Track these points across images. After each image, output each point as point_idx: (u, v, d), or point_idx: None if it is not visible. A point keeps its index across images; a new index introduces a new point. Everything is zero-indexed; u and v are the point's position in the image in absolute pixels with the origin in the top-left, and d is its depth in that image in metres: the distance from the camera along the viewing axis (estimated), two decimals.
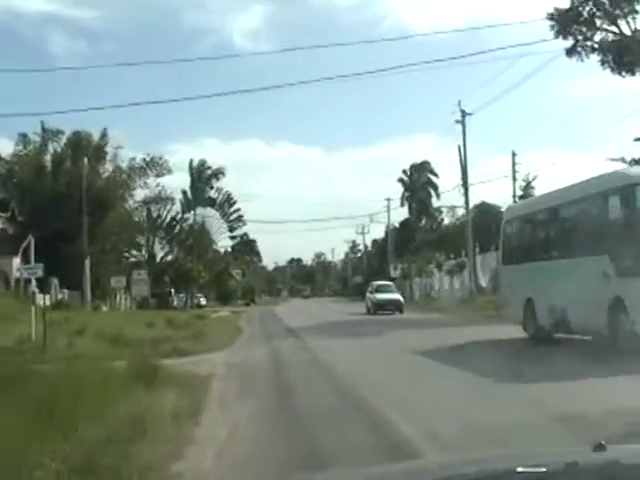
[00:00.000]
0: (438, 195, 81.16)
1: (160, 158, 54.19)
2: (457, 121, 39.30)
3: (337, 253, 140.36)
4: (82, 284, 42.39)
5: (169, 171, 54.83)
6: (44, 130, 54.19)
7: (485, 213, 60.25)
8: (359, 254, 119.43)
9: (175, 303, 59.83)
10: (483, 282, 41.04)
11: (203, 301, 68.41)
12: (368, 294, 42.25)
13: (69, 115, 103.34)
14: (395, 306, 38.39)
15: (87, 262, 42.22)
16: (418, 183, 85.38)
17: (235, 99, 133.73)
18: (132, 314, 36.57)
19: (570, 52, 31.18)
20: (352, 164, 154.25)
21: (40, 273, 20.79)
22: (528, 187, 78.71)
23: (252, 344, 19.44)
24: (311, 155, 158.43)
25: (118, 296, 51.00)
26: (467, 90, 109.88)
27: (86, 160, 50.88)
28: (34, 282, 40.95)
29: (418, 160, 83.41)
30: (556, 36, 30.47)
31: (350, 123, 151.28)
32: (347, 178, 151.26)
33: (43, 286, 43.88)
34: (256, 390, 10.11)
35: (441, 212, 79.95)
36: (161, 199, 57.69)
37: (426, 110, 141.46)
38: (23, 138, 53.69)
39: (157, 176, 54.17)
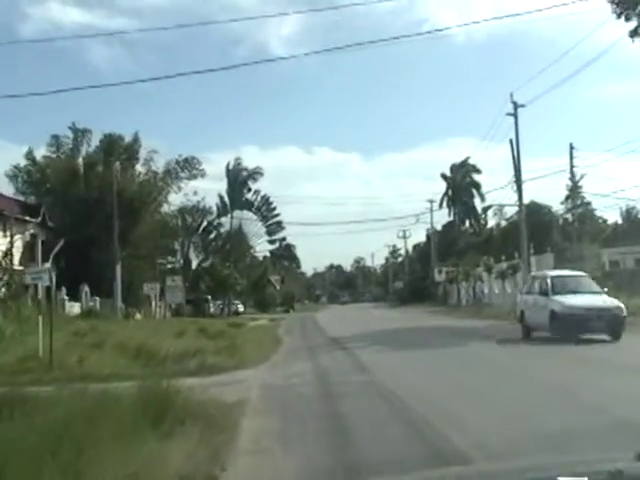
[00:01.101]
0: (482, 196, 78.24)
1: (193, 158, 52.32)
2: (509, 114, 36.46)
3: (377, 258, 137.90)
4: (114, 291, 40.48)
5: (202, 174, 52.92)
6: (75, 131, 52.90)
7: (535, 213, 57.27)
8: (400, 259, 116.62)
9: (212, 310, 57.82)
10: None
11: (241, 308, 66.32)
12: (529, 296, 21.73)
13: (106, 124, 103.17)
14: (608, 324, 18.48)
15: (118, 268, 40.30)
16: (461, 184, 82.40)
17: (273, 106, 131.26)
18: (164, 322, 34.47)
19: (633, 34, 29.67)
20: (390, 169, 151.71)
21: (47, 279, 17.74)
22: (576, 187, 75.28)
23: (293, 359, 16.89)
24: (349, 161, 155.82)
25: (153, 304, 49.13)
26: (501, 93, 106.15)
27: (118, 163, 49.28)
28: (64, 290, 39.58)
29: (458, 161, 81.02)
30: (618, 17, 29.04)
31: (387, 128, 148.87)
32: (385, 183, 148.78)
33: (75, 294, 42.53)
34: (301, 433, 7.42)
35: (486, 214, 76.80)
36: (198, 209, 56.01)
37: (463, 114, 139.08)
38: (55, 140, 52.38)
39: (189, 179, 52.30)
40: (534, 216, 52.23)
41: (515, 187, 37.92)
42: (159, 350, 16.29)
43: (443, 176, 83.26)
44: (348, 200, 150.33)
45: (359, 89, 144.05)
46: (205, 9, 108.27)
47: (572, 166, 40.30)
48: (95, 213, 45.57)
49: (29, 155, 51.75)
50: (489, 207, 67.94)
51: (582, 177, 44.70)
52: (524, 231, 37.17)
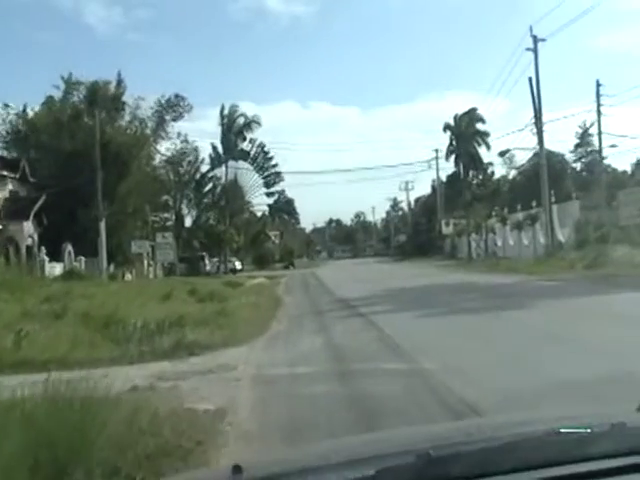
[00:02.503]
0: (488, 146, 74.54)
1: (177, 96, 48.50)
2: (528, 49, 32.91)
3: (378, 212, 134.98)
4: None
5: (189, 109, 49.08)
6: (67, 82, 49.37)
7: (547, 161, 53.99)
8: (401, 212, 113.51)
9: (208, 268, 54.69)
10: (561, 236, 34.91)
11: (238, 265, 63.05)
12: None
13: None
14: None
15: (102, 225, 37.12)
16: (465, 133, 78.66)
17: (269, 61, 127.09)
18: (153, 283, 31.48)
19: None
20: (389, 122, 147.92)
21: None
22: (585, 134, 71.40)
23: (298, 329, 13.49)
24: (347, 114, 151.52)
25: (146, 263, 46.05)
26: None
27: (103, 112, 45.73)
28: (43, 249, 36.54)
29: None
30: None
31: (385, 80, 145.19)
32: (384, 136, 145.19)
33: (58, 253, 39.49)
34: None
35: (493, 164, 73.41)
36: (185, 153, 52.22)
37: (462, 66, 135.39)
38: (50, 99, 49.15)
39: (175, 119, 48.66)
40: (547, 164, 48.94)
41: (535, 130, 34.60)
42: (133, 320, 13.25)
43: (447, 126, 79.56)
44: (347, 152, 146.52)
45: (356, 41, 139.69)
46: None
47: (599, 104, 36.52)
48: (81, 167, 42.19)
49: (23, 113, 48.89)
50: (506, 151, 64.03)
51: (592, 124, 40.92)
52: (545, 177, 34.02)
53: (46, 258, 34.43)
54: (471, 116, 77.15)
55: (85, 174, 40.80)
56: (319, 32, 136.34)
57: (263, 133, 63.48)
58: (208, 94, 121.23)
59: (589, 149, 71.80)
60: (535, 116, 34.42)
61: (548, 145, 48.46)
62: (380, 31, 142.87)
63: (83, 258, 38.40)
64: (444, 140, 78.12)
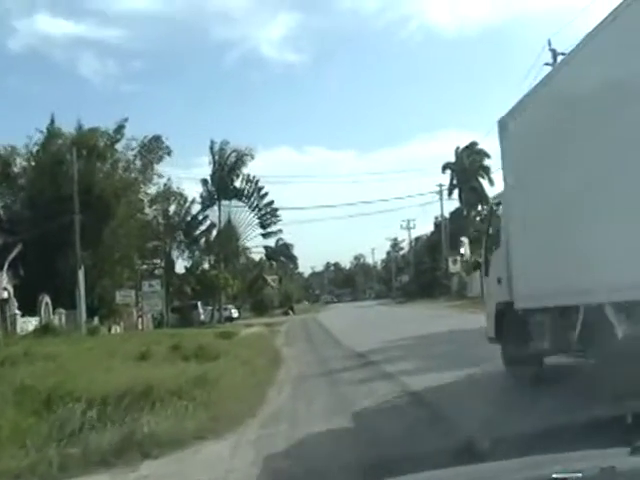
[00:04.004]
0: (491, 181, 71.67)
1: (157, 139, 45.53)
2: (547, 64, 30.04)
3: (378, 254, 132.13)
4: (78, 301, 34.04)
5: (169, 153, 46.16)
6: (49, 130, 46.36)
7: None
8: (402, 252, 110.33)
9: (202, 317, 51.16)
10: None
11: (235, 313, 59.43)
12: None
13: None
14: None
15: (81, 273, 33.80)
16: (468, 169, 76.09)
17: (264, 108, 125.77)
18: (136, 337, 28.05)
19: None
20: (386, 164, 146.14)
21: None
22: None
23: (304, 405, 9.73)
24: (344, 158, 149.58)
25: (135, 314, 42.60)
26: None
27: (85, 157, 42.86)
28: (15, 302, 33.21)
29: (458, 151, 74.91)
30: None
31: (380, 124, 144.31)
32: (382, 177, 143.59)
33: (35, 306, 36.13)
34: None
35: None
36: (172, 194, 49.12)
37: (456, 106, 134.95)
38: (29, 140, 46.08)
39: (156, 162, 45.64)
40: None
41: None
42: (87, 393, 9.92)
43: (447, 165, 77.16)
44: (343, 195, 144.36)
45: (350, 86, 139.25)
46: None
47: None
48: (61, 213, 39.08)
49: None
50: None
51: None
52: None
53: (18, 312, 31.07)
54: (472, 150, 74.91)
55: (66, 221, 37.72)
56: (313, 78, 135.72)
57: (259, 178, 60.35)
58: (204, 142, 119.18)
59: None
60: None
61: None
62: (374, 75, 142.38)
63: (63, 311, 35.01)
64: (443, 179, 75.80)
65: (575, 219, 7.99)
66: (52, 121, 46.17)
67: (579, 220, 7.88)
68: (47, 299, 34.27)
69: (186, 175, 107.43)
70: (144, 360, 16.74)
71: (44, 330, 28.70)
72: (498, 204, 11.86)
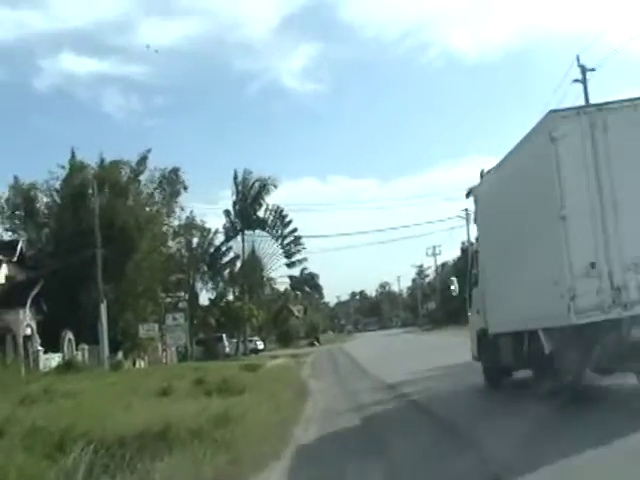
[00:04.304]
0: None
1: (176, 172, 45.44)
2: (576, 80, 29.37)
3: (403, 281, 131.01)
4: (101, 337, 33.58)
5: (185, 188, 46.03)
6: (71, 164, 46.34)
7: None
8: (427, 279, 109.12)
9: (227, 350, 50.50)
10: None
11: (260, 345, 58.69)
12: None
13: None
14: None
15: (103, 307, 33.39)
16: None
17: (287, 139, 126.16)
18: (159, 371, 27.51)
19: None
20: (408, 191, 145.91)
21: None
22: None
23: (335, 447, 8.65)
24: (366, 187, 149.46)
25: (160, 348, 42.11)
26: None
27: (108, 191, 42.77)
28: (37, 338, 32.89)
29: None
30: None
31: (404, 150, 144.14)
32: (405, 204, 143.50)
33: (58, 342, 35.73)
34: None
35: None
36: (193, 226, 48.84)
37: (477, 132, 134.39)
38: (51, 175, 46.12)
39: (172, 195, 45.48)
40: None
41: None
42: (97, 434, 9.32)
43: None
44: (366, 223, 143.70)
45: (370, 115, 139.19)
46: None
47: None
48: (84, 247, 38.85)
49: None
50: None
51: None
52: None
53: (40, 349, 30.69)
54: None
55: (88, 254, 37.46)
56: (334, 107, 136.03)
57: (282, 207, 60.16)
58: (228, 175, 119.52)
59: None
60: None
61: None
62: (394, 102, 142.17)
63: (86, 346, 34.58)
64: (468, 204, 74.84)
65: (512, 271, 11.26)
66: (73, 155, 46.20)
67: (514, 272, 11.09)
68: (70, 335, 33.92)
69: (210, 208, 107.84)
70: (165, 396, 16.16)
71: (67, 366, 28.28)
72: (477, 251, 14.73)
